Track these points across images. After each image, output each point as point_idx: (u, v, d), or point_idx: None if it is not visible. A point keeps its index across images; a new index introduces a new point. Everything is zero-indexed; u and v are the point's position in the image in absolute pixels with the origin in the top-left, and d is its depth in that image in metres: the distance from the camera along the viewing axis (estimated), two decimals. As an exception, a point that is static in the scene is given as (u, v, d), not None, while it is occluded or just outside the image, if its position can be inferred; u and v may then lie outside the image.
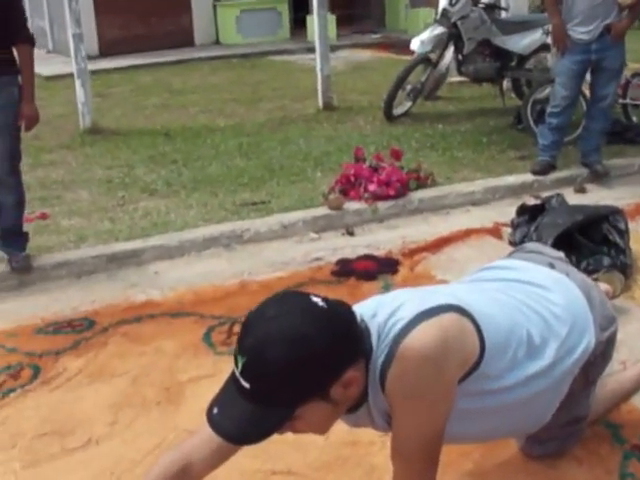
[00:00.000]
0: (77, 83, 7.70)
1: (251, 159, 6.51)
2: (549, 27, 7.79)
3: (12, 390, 3.08)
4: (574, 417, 2.28)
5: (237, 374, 1.65)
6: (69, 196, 5.73)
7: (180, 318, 3.66)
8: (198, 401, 2.82)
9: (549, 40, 7.95)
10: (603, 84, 5.48)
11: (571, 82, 5.48)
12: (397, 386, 1.72)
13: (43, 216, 5.23)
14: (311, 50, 9.92)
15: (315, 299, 1.66)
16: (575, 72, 5.45)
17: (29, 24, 4.28)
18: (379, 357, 1.74)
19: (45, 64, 12.50)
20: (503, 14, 7.97)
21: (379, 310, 1.81)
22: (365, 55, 13.41)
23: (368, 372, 1.76)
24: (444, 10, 7.48)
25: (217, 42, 15.23)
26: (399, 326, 1.74)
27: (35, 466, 2.59)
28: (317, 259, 4.40)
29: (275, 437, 2.66)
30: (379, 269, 4.14)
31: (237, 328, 3.45)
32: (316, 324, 1.61)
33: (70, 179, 6.19)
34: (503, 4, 8.32)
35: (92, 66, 10.87)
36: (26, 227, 4.59)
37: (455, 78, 8.68)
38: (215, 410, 1.71)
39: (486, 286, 2.09)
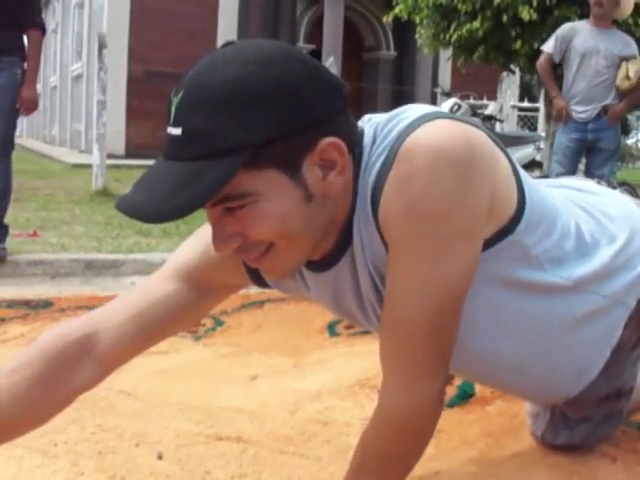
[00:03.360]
0: (95, 147, 7.18)
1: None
2: (540, 144, 7.40)
3: None
4: (615, 388, 1.55)
5: (168, 130, 0.99)
6: (65, 228, 5.10)
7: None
8: (145, 368, 2.10)
9: (539, 157, 7.54)
10: (599, 165, 5.00)
11: (567, 160, 4.98)
12: (397, 200, 1.02)
13: (34, 234, 4.57)
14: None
15: None
16: (572, 150, 4.97)
17: (41, 21, 3.77)
18: (373, 165, 1.07)
19: (75, 157, 12.22)
20: (498, 127, 7.60)
21: (377, 117, 1.14)
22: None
23: (357, 189, 1.08)
24: (444, 117, 7.05)
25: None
26: (405, 123, 1.07)
27: None
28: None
29: (226, 404, 1.94)
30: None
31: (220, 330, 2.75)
32: (282, 53, 1.00)
33: (70, 219, 5.58)
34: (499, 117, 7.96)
35: (117, 162, 10.52)
36: (12, 241, 3.92)
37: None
38: (129, 192, 1.02)
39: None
